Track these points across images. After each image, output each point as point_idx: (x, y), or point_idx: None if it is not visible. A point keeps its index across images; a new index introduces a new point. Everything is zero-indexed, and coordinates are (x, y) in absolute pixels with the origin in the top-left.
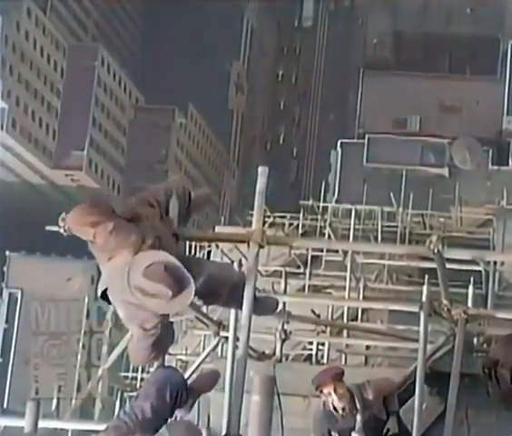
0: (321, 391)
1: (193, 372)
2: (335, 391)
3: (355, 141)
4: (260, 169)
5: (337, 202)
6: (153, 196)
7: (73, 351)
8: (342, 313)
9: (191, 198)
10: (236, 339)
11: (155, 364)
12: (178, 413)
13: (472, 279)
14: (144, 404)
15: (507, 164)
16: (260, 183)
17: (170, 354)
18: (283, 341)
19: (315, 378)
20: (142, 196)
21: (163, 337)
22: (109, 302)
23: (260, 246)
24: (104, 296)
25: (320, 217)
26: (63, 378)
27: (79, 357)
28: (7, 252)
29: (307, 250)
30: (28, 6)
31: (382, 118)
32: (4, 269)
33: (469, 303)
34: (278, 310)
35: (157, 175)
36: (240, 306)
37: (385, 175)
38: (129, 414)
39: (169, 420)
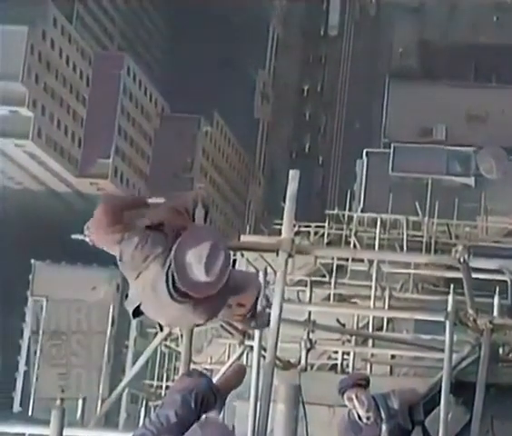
0: (343, 395)
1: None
2: (356, 396)
3: (381, 150)
4: (291, 172)
5: (362, 211)
6: (182, 205)
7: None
8: (368, 323)
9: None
10: (261, 348)
11: (180, 372)
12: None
13: (498, 289)
14: (170, 412)
15: None
16: (292, 188)
17: (195, 363)
18: (308, 350)
19: (339, 383)
20: (171, 205)
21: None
22: (138, 315)
23: (290, 255)
24: (135, 313)
25: (345, 226)
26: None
27: (104, 361)
28: (33, 261)
29: (332, 259)
30: (54, 15)
31: (408, 127)
32: (30, 277)
33: (495, 313)
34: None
35: (182, 184)
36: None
37: (410, 184)
38: (154, 423)
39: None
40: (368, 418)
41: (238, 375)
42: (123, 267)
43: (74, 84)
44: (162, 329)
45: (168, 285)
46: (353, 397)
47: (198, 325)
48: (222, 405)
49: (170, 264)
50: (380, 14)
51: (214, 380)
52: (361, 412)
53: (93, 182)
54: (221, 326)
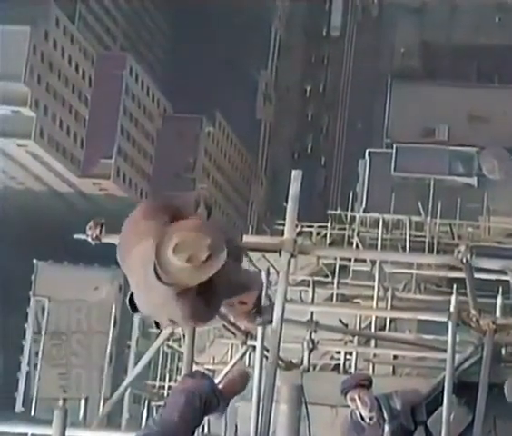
0: (346, 396)
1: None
2: (359, 397)
3: (383, 150)
4: (293, 173)
5: (365, 211)
6: (185, 206)
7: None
8: (370, 323)
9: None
10: (264, 348)
11: (182, 372)
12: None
13: (500, 289)
14: (174, 413)
15: None
16: (294, 188)
17: (197, 363)
18: (311, 350)
19: (341, 383)
20: (175, 206)
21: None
22: (135, 309)
23: (292, 255)
24: (132, 305)
25: (347, 226)
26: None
27: (106, 361)
28: (35, 261)
29: (335, 259)
30: (56, 16)
31: (410, 127)
32: (32, 277)
33: (498, 313)
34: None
35: (184, 184)
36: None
37: (413, 185)
38: (158, 423)
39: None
40: (370, 418)
41: (242, 380)
42: (120, 241)
43: (77, 85)
44: (158, 325)
45: (155, 265)
46: (356, 398)
47: (178, 324)
48: (225, 408)
49: None
50: (382, 15)
51: (217, 381)
52: (364, 413)
53: (95, 182)
54: (224, 326)
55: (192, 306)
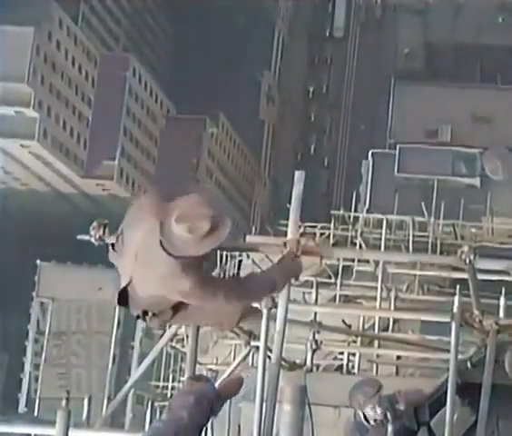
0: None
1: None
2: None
3: (386, 151)
4: (296, 173)
5: (368, 212)
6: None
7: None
8: (373, 324)
9: None
10: (267, 348)
11: (185, 373)
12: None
13: (503, 290)
14: (183, 413)
15: None
16: (297, 189)
17: (200, 364)
18: (314, 351)
19: (365, 395)
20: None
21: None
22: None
23: (296, 256)
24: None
25: (351, 227)
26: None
27: (110, 361)
28: (38, 261)
29: (338, 260)
30: (60, 17)
31: (413, 128)
32: (35, 278)
33: (501, 314)
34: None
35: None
36: None
37: (416, 185)
38: (166, 423)
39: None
40: (374, 420)
41: (237, 384)
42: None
43: (80, 86)
44: (148, 314)
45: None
46: (377, 404)
47: (187, 295)
48: (218, 411)
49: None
50: (386, 16)
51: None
52: (378, 414)
53: (98, 183)
54: None
55: (199, 274)
